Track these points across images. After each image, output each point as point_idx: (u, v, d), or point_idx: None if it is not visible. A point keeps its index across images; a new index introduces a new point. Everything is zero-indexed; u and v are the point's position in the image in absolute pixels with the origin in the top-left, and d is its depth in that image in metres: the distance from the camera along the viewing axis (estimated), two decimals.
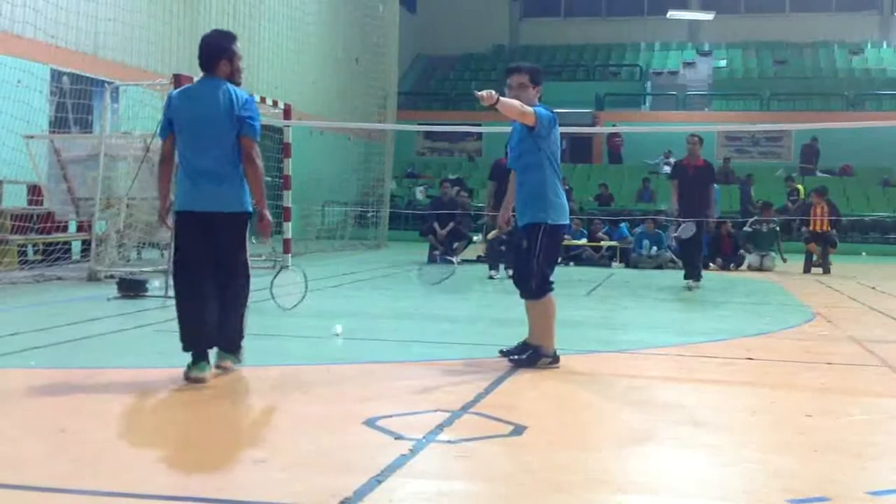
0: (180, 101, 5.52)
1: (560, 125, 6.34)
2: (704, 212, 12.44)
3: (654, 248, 16.67)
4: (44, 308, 8.70)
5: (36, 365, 5.88)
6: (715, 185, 13.02)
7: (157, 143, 11.48)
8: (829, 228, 16.48)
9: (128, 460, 3.72)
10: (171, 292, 9.31)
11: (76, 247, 13.46)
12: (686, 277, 12.68)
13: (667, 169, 25.72)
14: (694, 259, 12.65)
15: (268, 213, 5.57)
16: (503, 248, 13.09)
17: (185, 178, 5.44)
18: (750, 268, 16.62)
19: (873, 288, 12.86)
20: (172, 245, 6.16)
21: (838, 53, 35.85)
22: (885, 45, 36.32)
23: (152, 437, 4.09)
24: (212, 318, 5.39)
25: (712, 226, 17.00)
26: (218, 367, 5.45)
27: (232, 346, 5.56)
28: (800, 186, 22.51)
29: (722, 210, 22.95)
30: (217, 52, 5.52)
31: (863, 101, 30.91)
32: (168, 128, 5.50)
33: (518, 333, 6.86)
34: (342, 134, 25.11)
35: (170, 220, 5.63)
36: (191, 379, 5.21)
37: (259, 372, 5.90)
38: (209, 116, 5.36)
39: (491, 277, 13.14)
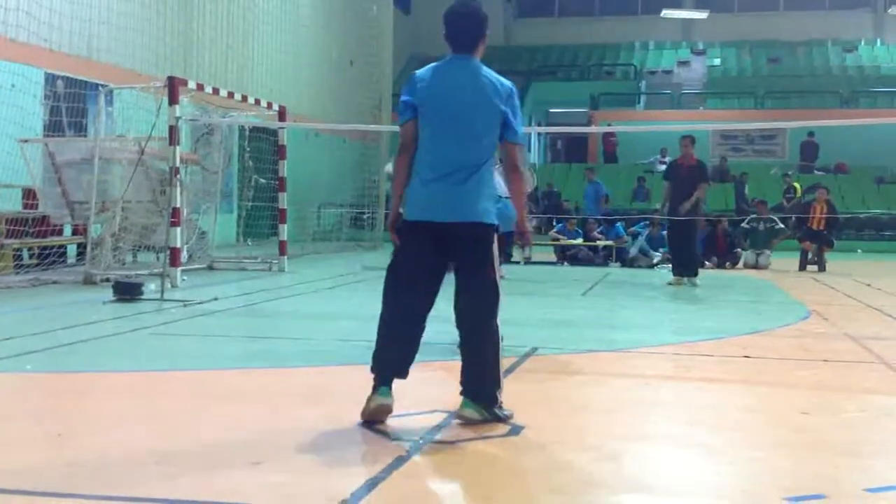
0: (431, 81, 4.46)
1: (555, 125, 6.38)
2: (697, 211, 12.53)
3: (660, 250, 16.62)
4: (39, 312, 8.68)
5: (32, 369, 5.87)
6: (707, 183, 13.08)
7: (152, 146, 11.61)
8: (826, 227, 16.50)
9: (124, 464, 3.71)
10: (167, 295, 9.39)
11: (71, 250, 13.44)
12: (676, 275, 12.80)
13: (661, 167, 25.74)
14: (690, 257, 12.72)
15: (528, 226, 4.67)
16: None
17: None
18: (746, 266, 16.63)
19: (868, 285, 12.88)
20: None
21: (832, 51, 35.93)
22: (878, 43, 36.41)
23: (148, 441, 4.08)
24: (418, 345, 4.50)
25: (706, 224, 17.08)
26: (459, 418, 4.40)
27: (482, 394, 4.40)
28: (796, 184, 22.54)
29: (717, 208, 23.01)
30: (483, 26, 4.55)
31: (857, 99, 30.98)
32: (410, 110, 4.44)
33: (511, 333, 6.86)
34: (338, 136, 25.09)
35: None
36: (371, 407, 4.33)
37: (255, 374, 5.90)
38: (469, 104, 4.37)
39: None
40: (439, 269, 4.42)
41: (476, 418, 4.34)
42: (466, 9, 4.53)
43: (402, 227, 4.44)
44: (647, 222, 17.49)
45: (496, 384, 4.41)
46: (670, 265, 13.39)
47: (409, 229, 4.40)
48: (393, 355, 4.40)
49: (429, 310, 4.43)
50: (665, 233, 14.24)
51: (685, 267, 12.74)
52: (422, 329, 4.45)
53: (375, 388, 4.35)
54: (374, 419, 4.32)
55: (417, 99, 4.41)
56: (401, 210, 4.48)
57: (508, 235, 6.04)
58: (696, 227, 12.89)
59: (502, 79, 4.49)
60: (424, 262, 4.38)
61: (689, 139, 12.89)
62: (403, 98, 4.45)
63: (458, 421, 4.38)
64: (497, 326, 4.42)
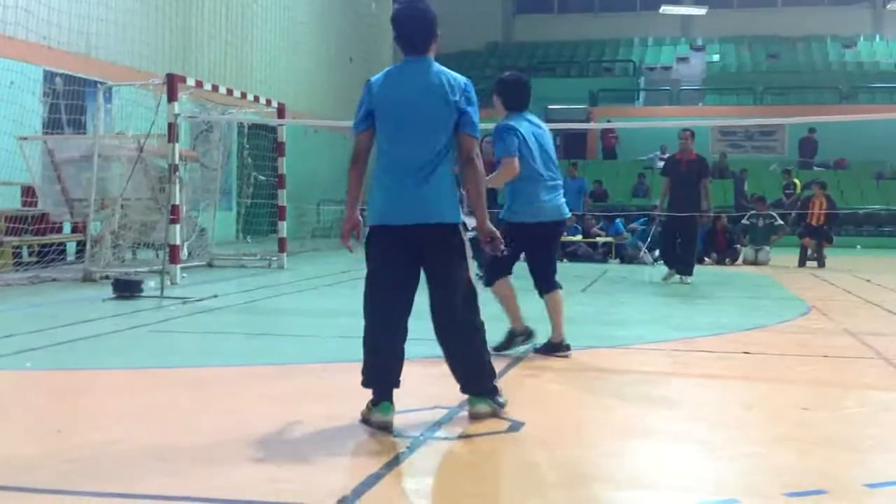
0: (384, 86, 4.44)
1: (554, 121, 6.42)
2: (698, 206, 12.34)
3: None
4: (39, 309, 8.68)
5: (32, 366, 5.87)
6: (708, 178, 12.94)
7: (151, 143, 11.60)
8: (825, 223, 16.50)
9: (125, 461, 3.72)
10: (166, 292, 9.40)
11: (71, 248, 13.45)
12: (670, 267, 12.67)
13: (661, 164, 25.72)
14: (689, 255, 12.62)
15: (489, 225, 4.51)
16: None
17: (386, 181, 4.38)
18: (745, 262, 16.63)
19: (868, 281, 12.88)
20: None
21: (831, 47, 35.92)
22: (877, 39, 36.41)
23: (149, 438, 4.08)
24: (402, 353, 4.41)
25: (707, 220, 17.05)
26: (472, 414, 4.40)
27: (482, 389, 4.45)
28: (796, 180, 22.53)
29: (717, 205, 23.00)
30: (433, 27, 4.50)
31: (856, 95, 30.97)
32: (366, 120, 4.41)
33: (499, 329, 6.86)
34: (337, 132, 25.07)
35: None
36: (374, 424, 4.26)
37: (255, 371, 5.90)
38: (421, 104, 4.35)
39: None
40: (411, 272, 4.36)
41: (488, 412, 4.40)
42: (415, 10, 4.50)
43: (369, 234, 4.41)
44: (647, 218, 17.49)
45: (493, 374, 4.50)
46: (663, 260, 13.14)
47: (375, 236, 4.38)
48: (383, 369, 4.35)
49: (408, 315, 4.39)
50: (660, 229, 14.02)
51: (683, 264, 12.58)
52: (404, 336, 4.41)
53: (376, 403, 4.29)
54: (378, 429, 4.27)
55: (373, 104, 4.40)
56: (360, 217, 4.45)
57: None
58: (698, 225, 12.72)
59: (456, 75, 4.47)
60: (396, 269, 4.33)
61: (689, 133, 12.70)
62: (360, 107, 4.43)
63: (469, 418, 4.39)
64: (482, 322, 4.45)
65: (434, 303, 4.39)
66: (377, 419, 4.25)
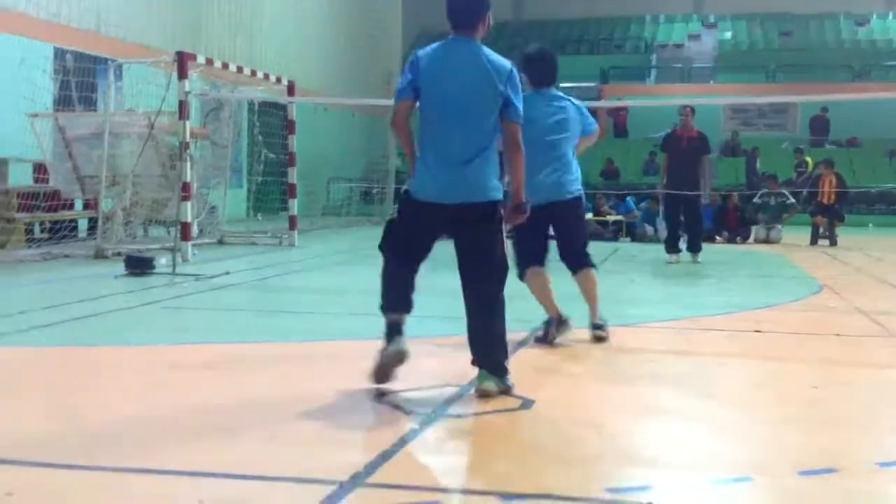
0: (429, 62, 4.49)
1: (565, 99, 6.27)
2: (698, 184, 12.18)
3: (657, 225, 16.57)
4: (51, 285, 8.72)
5: (45, 342, 5.90)
6: (710, 155, 12.78)
7: (161, 120, 11.59)
8: (836, 201, 16.42)
9: (138, 436, 3.74)
10: (178, 269, 9.42)
11: (83, 224, 13.49)
12: (667, 251, 12.44)
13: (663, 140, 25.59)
14: (695, 233, 12.51)
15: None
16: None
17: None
18: (756, 240, 16.59)
19: (880, 259, 12.85)
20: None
21: (844, 24, 35.63)
22: (890, 16, 36.09)
23: (162, 414, 4.10)
24: (414, 283, 4.56)
25: (717, 198, 16.99)
26: (480, 392, 4.41)
27: (495, 364, 4.47)
28: (808, 159, 22.41)
29: (728, 183, 22.91)
30: (484, 4, 4.54)
31: (869, 73, 30.74)
32: (411, 90, 4.45)
33: (523, 307, 6.87)
34: (346, 110, 25.03)
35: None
36: (388, 355, 4.45)
37: (267, 348, 5.92)
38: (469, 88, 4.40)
39: None
40: (435, 237, 4.52)
41: (495, 391, 4.39)
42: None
43: (408, 200, 4.50)
44: (647, 199, 17.44)
45: (506, 354, 4.52)
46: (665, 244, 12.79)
47: (414, 206, 4.48)
48: (398, 299, 4.51)
49: (423, 261, 4.54)
50: (662, 208, 13.76)
51: (690, 241, 12.51)
52: (413, 278, 4.55)
53: (389, 338, 4.45)
54: (389, 367, 4.43)
55: (420, 80, 4.43)
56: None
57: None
58: (700, 202, 12.56)
59: (502, 59, 4.51)
60: (419, 236, 4.50)
61: (688, 109, 12.54)
62: (406, 77, 4.46)
63: (477, 395, 4.39)
64: (504, 298, 4.51)
65: (467, 274, 4.47)
66: (392, 350, 4.41)
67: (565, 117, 6.05)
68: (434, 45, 4.55)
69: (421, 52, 4.53)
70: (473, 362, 4.50)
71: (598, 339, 6.11)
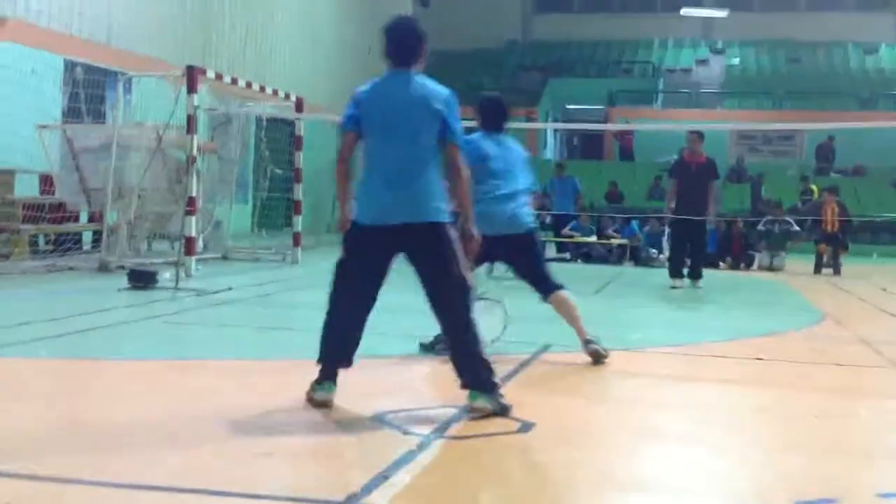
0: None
1: (572, 121, 6.39)
2: (705, 209, 12.14)
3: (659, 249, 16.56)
4: (54, 297, 8.73)
5: (47, 354, 5.91)
6: (717, 179, 12.78)
7: (169, 134, 11.64)
8: (839, 230, 16.40)
9: (138, 451, 3.74)
10: (181, 284, 9.43)
11: (87, 237, 13.50)
12: (671, 276, 12.36)
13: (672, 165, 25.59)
14: (699, 258, 12.50)
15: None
16: None
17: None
18: (760, 267, 16.57)
19: (884, 289, 12.81)
20: None
21: (852, 53, 35.70)
22: None
23: (161, 429, 4.10)
24: (358, 340, 4.68)
25: (722, 224, 16.99)
26: (473, 410, 4.40)
27: (483, 383, 4.44)
28: (814, 186, 22.40)
29: (733, 209, 22.90)
30: (421, 43, 4.69)
31: (876, 101, 30.77)
32: (354, 123, 4.63)
33: (524, 330, 6.86)
34: None
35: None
36: (315, 401, 4.57)
37: (267, 364, 5.92)
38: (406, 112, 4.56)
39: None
40: (383, 270, 4.60)
41: (488, 408, 4.38)
42: (404, 26, 4.75)
43: (353, 230, 4.60)
44: (647, 224, 17.48)
45: (491, 371, 4.48)
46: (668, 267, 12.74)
47: (356, 231, 4.58)
48: (337, 350, 4.63)
49: (371, 308, 4.64)
50: (668, 230, 13.69)
51: (692, 268, 12.49)
52: (364, 323, 4.66)
53: (320, 382, 4.58)
54: (318, 408, 4.54)
55: (360, 111, 4.61)
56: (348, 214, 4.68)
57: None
58: (706, 228, 12.56)
59: (439, 86, 4.65)
60: (370, 263, 4.59)
61: (696, 135, 12.54)
62: (348, 111, 4.65)
63: (472, 414, 4.38)
64: (473, 318, 4.52)
65: (432, 299, 4.54)
66: (319, 397, 4.54)
67: (518, 157, 6.36)
68: (373, 80, 4.72)
69: (360, 88, 4.71)
70: (462, 385, 4.50)
71: (596, 356, 6.07)
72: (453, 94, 4.64)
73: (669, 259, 12.93)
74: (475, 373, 4.46)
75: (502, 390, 4.51)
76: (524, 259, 6.28)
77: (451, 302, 4.48)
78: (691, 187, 12.17)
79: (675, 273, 12.39)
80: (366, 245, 4.56)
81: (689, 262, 12.54)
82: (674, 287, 12.15)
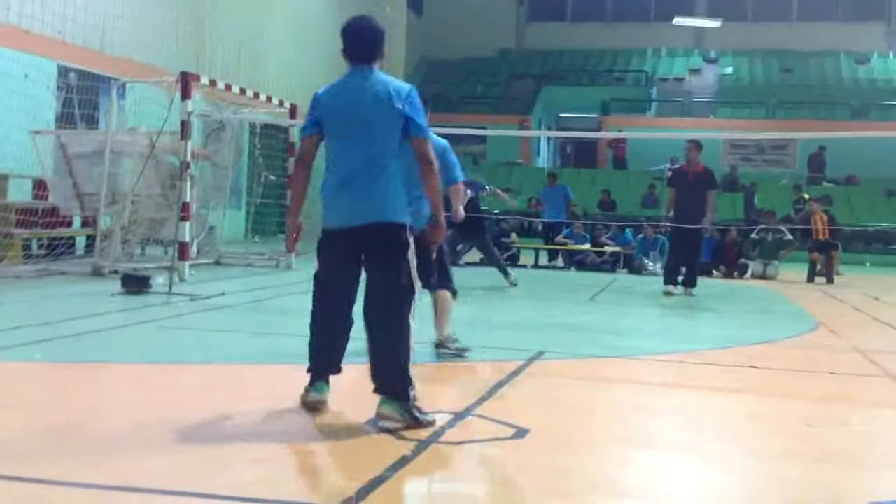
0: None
1: (564, 129, 6.41)
2: (702, 218, 12.20)
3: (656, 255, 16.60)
4: (47, 302, 8.71)
5: (40, 358, 5.89)
6: (716, 189, 12.84)
7: (163, 140, 11.63)
8: (829, 238, 16.48)
9: (130, 455, 3.73)
10: (174, 289, 9.42)
11: (80, 242, 13.48)
12: (665, 282, 12.50)
13: (671, 174, 25.65)
14: (693, 266, 12.56)
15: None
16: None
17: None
18: (753, 276, 16.60)
19: (876, 298, 12.85)
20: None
21: (844, 62, 35.86)
22: (891, 56, 36.32)
23: (154, 433, 4.09)
24: (345, 343, 4.72)
25: (716, 232, 17.04)
26: (379, 417, 4.30)
27: (397, 392, 4.32)
28: (807, 195, 22.47)
29: (726, 218, 22.95)
30: (379, 41, 4.70)
31: (868, 111, 30.89)
32: (314, 126, 4.63)
33: (517, 337, 6.86)
34: None
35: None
36: (308, 403, 4.59)
37: (261, 369, 5.91)
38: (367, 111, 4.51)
39: None
40: (356, 270, 4.57)
41: (396, 418, 4.25)
42: (362, 24, 4.72)
43: (323, 237, 4.61)
44: (641, 232, 17.53)
45: (410, 383, 4.36)
46: (663, 273, 12.91)
47: (328, 238, 4.59)
48: (325, 357, 4.69)
49: (351, 308, 4.65)
50: (662, 237, 13.75)
51: (687, 275, 12.54)
52: (349, 328, 4.68)
53: (312, 384, 4.62)
54: (312, 410, 4.57)
55: (319, 113, 4.59)
56: (299, 220, 4.81)
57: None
58: (702, 237, 12.64)
59: (400, 82, 4.63)
60: (342, 269, 4.58)
61: (695, 144, 12.63)
62: (309, 115, 4.63)
63: (377, 422, 4.27)
64: (410, 325, 4.45)
65: (370, 296, 4.47)
66: (312, 398, 4.57)
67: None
68: (333, 81, 4.69)
69: (320, 90, 4.68)
70: (375, 390, 4.38)
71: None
72: (414, 89, 4.61)
73: (665, 265, 12.99)
74: (389, 380, 4.35)
75: (419, 403, 4.36)
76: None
77: (389, 305, 4.41)
78: (688, 196, 12.25)
79: (670, 280, 12.46)
80: (337, 249, 4.54)
81: (683, 269, 12.61)
82: (667, 293, 12.20)
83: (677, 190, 12.55)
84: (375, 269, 4.49)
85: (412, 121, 4.48)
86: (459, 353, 6.36)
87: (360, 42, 4.65)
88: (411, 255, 4.48)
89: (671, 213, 12.60)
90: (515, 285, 12.28)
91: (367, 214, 4.43)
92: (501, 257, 13.88)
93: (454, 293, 6.50)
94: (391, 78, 4.62)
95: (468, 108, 32.09)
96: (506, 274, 12.58)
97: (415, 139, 4.50)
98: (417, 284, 4.57)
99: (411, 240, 4.50)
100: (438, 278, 6.27)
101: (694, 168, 12.45)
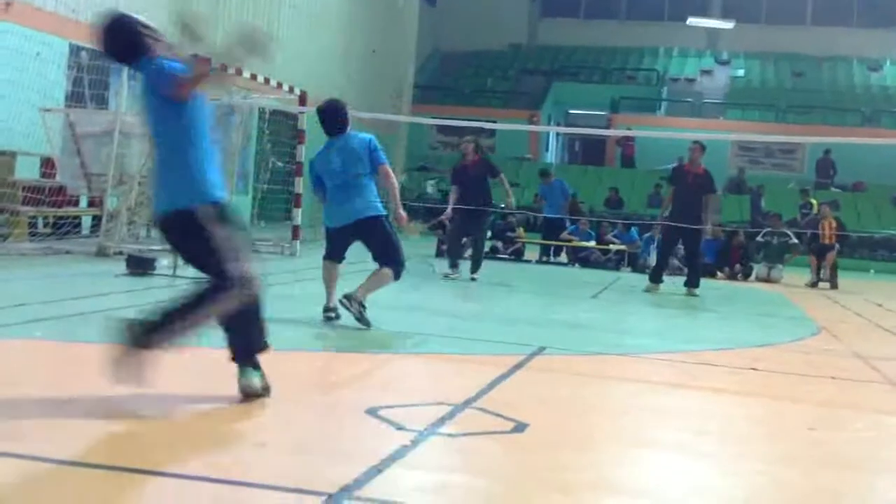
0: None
1: (574, 126, 6.55)
2: (700, 219, 12.18)
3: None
4: (52, 281, 8.72)
5: (41, 336, 5.90)
6: (715, 193, 12.83)
7: None
8: (835, 243, 16.44)
9: (133, 438, 3.73)
10: (178, 272, 9.41)
11: (86, 222, 13.49)
12: (652, 280, 12.54)
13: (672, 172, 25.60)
14: (694, 266, 12.57)
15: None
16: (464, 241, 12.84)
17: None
18: (757, 278, 16.59)
19: (880, 305, 12.83)
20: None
21: (856, 68, 35.75)
22: None
23: (155, 414, 4.09)
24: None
25: (721, 234, 17.04)
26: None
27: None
28: (813, 200, 22.42)
29: (732, 220, 22.92)
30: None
31: (879, 118, 30.80)
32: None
33: (519, 332, 6.85)
34: (357, 122, 25.09)
35: None
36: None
37: (262, 356, 5.89)
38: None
39: (447, 276, 12.05)
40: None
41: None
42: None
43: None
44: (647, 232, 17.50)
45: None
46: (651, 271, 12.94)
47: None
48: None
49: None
50: (660, 237, 13.72)
51: (689, 276, 12.52)
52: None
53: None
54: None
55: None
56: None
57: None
58: (701, 237, 12.61)
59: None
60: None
61: (699, 145, 12.60)
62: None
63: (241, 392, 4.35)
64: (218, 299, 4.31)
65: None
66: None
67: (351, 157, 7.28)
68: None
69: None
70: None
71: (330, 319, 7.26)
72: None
73: (654, 264, 13.01)
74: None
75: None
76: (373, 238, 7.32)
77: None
78: (686, 197, 12.27)
79: (656, 278, 12.51)
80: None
81: (686, 270, 12.63)
82: (647, 291, 12.29)
83: (676, 189, 12.54)
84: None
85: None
86: (359, 317, 6.90)
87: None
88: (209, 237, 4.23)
89: (667, 213, 12.60)
90: (468, 280, 11.78)
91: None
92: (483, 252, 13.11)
93: (397, 275, 7.18)
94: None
95: (479, 101, 32.05)
96: (474, 268, 12.07)
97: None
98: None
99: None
100: (391, 256, 7.16)
101: (695, 169, 12.45)
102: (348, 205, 7.15)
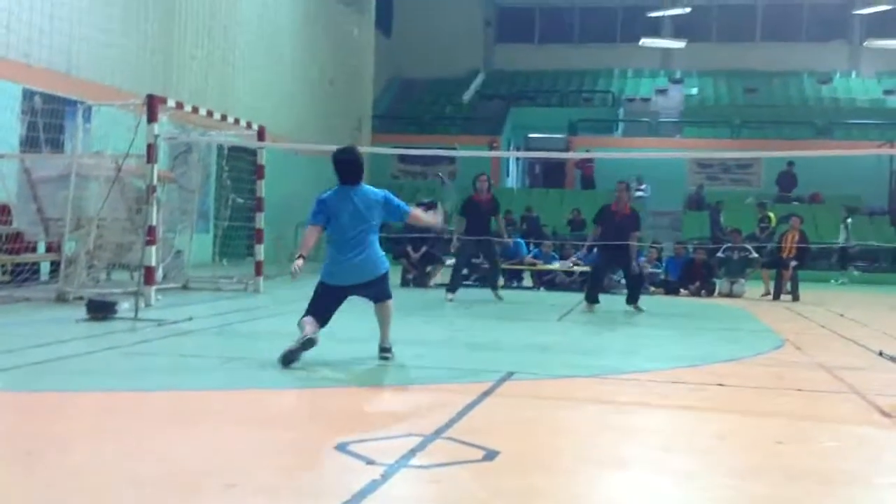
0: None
1: (533, 150, 6.63)
2: (627, 254, 12.50)
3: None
4: (11, 329, 8.59)
5: (2, 387, 5.80)
6: (639, 233, 13.06)
7: (129, 163, 11.53)
8: (796, 256, 16.61)
9: (96, 486, 3.67)
10: (141, 314, 9.33)
11: (45, 267, 13.31)
12: (587, 300, 12.82)
13: (639, 194, 25.84)
14: (634, 284, 12.87)
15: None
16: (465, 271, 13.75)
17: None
18: (720, 294, 16.72)
19: (841, 315, 12.98)
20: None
21: (808, 82, 36.38)
22: (853, 75, 36.93)
23: (120, 462, 4.03)
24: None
25: (682, 251, 17.26)
26: None
27: None
28: (771, 214, 22.69)
29: (692, 237, 23.15)
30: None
31: (831, 130, 31.31)
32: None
33: (487, 357, 6.85)
34: (317, 156, 25.08)
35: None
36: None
37: (228, 395, 5.85)
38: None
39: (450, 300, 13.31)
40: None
41: None
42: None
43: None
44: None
45: None
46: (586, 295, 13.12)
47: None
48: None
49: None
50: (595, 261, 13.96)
51: (630, 293, 12.86)
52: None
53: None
54: None
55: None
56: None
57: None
58: (632, 255, 12.75)
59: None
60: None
61: (625, 185, 12.97)
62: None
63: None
64: None
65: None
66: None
67: (366, 208, 7.13)
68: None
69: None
70: None
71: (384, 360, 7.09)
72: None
73: (588, 286, 13.23)
74: None
75: None
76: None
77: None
78: (613, 236, 12.53)
79: (592, 298, 12.81)
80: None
81: (626, 289, 12.99)
82: (586, 311, 12.56)
83: (604, 228, 12.73)
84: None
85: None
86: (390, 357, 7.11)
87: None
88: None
89: (594, 250, 12.93)
90: (502, 299, 13.76)
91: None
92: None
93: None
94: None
95: (439, 128, 32.18)
96: (494, 286, 14.20)
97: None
98: None
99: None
100: (386, 292, 7.22)
101: (622, 210, 12.69)
102: (361, 264, 7.00)
